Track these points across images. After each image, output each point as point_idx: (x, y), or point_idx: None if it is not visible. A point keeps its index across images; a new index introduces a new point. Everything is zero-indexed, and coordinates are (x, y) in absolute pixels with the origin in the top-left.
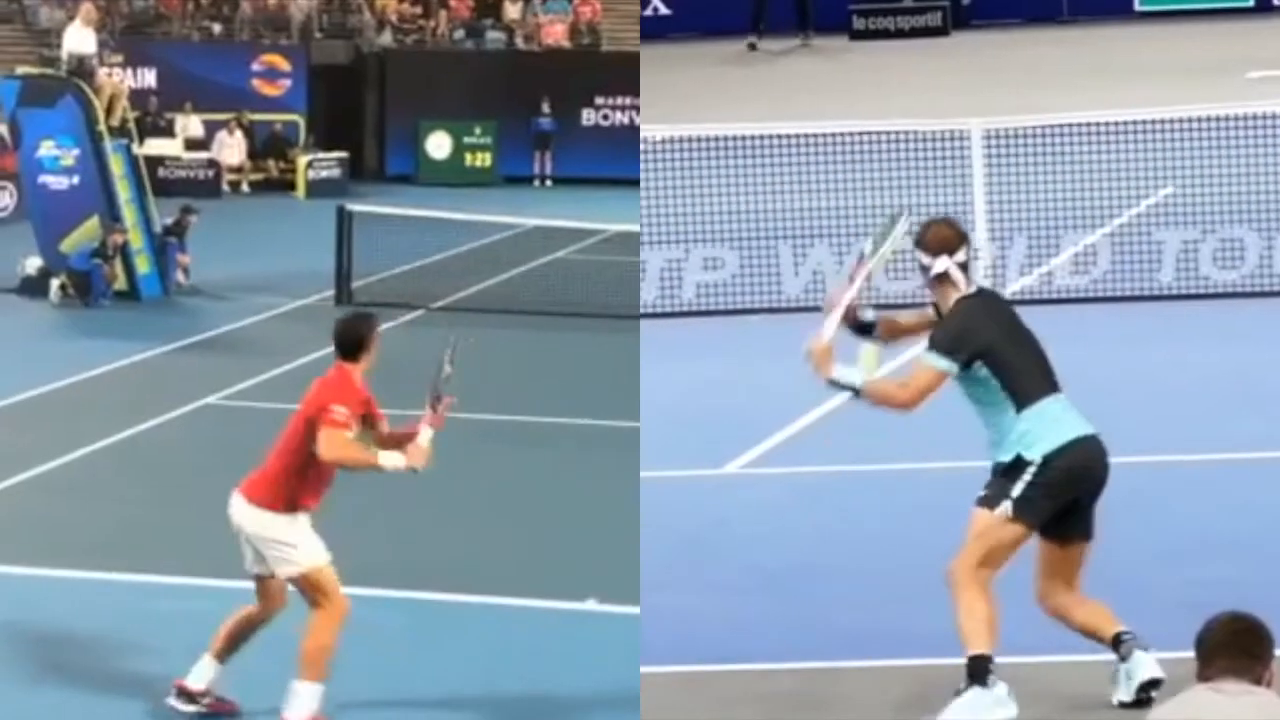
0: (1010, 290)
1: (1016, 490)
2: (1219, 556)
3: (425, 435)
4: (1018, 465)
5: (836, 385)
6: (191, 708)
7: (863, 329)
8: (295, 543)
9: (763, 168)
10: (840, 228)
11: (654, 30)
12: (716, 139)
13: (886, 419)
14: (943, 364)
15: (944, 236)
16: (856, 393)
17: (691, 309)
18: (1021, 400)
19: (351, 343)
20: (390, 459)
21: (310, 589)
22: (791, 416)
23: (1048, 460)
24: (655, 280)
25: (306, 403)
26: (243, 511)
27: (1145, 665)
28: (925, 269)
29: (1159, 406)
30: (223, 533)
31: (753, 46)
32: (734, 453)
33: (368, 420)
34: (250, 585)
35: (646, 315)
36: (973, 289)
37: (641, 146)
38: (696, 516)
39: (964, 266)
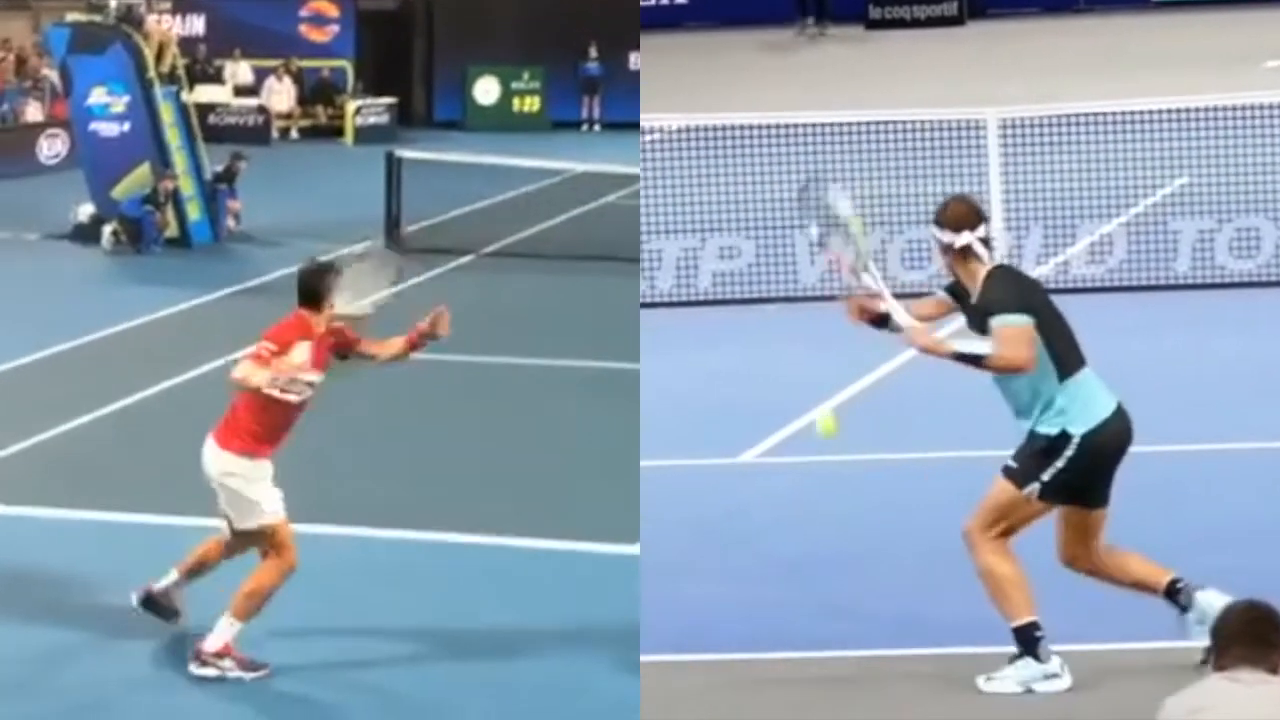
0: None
1: (1048, 474)
2: (1237, 545)
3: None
4: (1059, 441)
5: (963, 358)
6: (149, 613)
7: (879, 321)
8: (256, 498)
9: (778, 157)
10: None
11: (669, 19)
12: (731, 128)
13: (899, 409)
14: (1024, 319)
15: (961, 213)
16: (978, 361)
17: (707, 298)
18: (1065, 369)
19: (308, 292)
20: (259, 376)
21: (266, 542)
22: (807, 405)
23: (1087, 438)
24: (671, 269)
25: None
26: (210, 455)
27: (1213, 601)
28: (948, 246)
29: (1175, 396)
30: (294, 477)
31: (803, 32)
32: (750, 441)
33: (342, 352)
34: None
35: (663, 304)
36: (994, 264)
37: (648, 138)
38: (713, 505)
39: (985, 242)
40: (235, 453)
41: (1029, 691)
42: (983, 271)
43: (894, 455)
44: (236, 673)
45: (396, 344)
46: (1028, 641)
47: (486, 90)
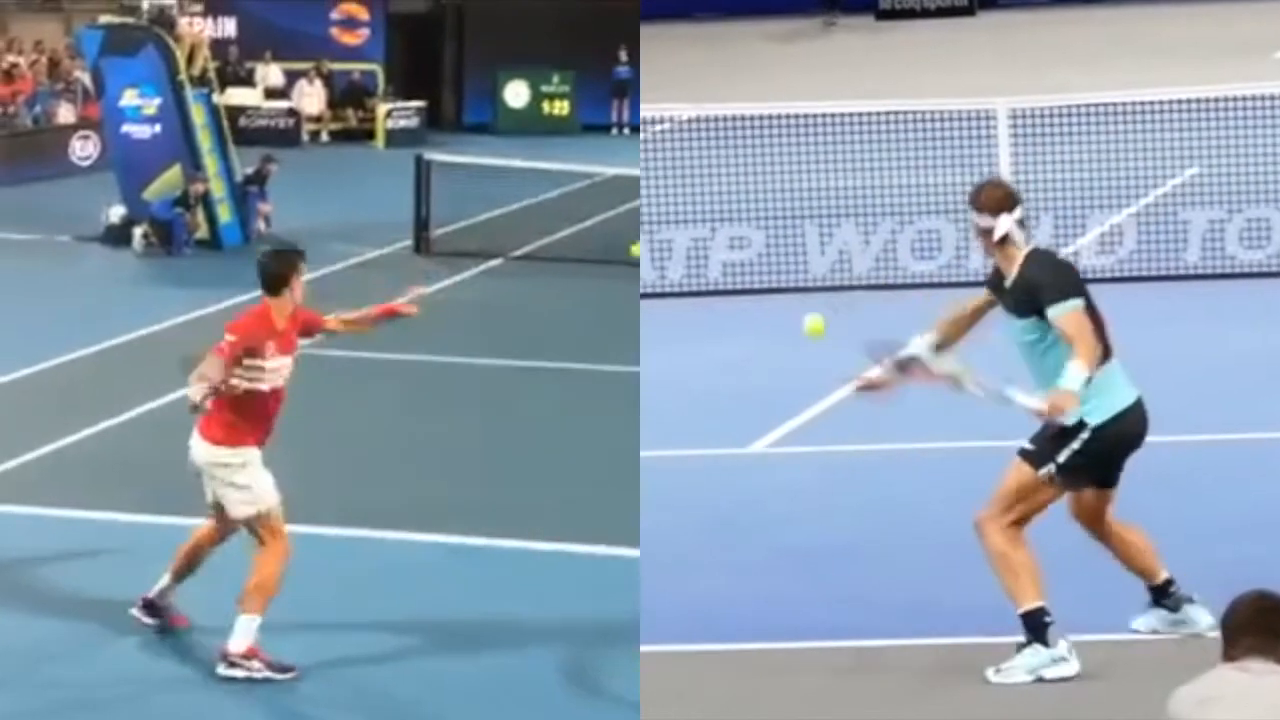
0: None
1: (1063, 456)
2: (1249, 535)
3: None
4: (1074, 428)
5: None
6: (153, 620)
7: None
8: (249, 484)
9: (788, 147)
10: (866, 207)
11: (678, 9)
12: (741, 118)
13: (910, 399)
14: (1079, 302)
15: (998, 197)
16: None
17: (717, 288)
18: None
19: (271, 280)
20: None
21: (262, 529)
22: (818, 395)
23: (1102, 429)
24: (681, 259)
25: None
26: (197, 448)
27: (1203, 617)
28: (986, 231)
29: (1186, 386)
30: (304, 478)
31: (829, 23)
32: (761, 432)
33: (309, 332)
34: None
35: (673, 294)
36: (1029, 247)
37: (658, 128)
38: (725, 496)
39: (1021, 224)
40: (220, 444)
41: (1039, 680)
42: (1020, 255)
43: (905, 445)
44: (265, 674)
45: (362, 315)
46: (1036, 627)
47: (516, 93)
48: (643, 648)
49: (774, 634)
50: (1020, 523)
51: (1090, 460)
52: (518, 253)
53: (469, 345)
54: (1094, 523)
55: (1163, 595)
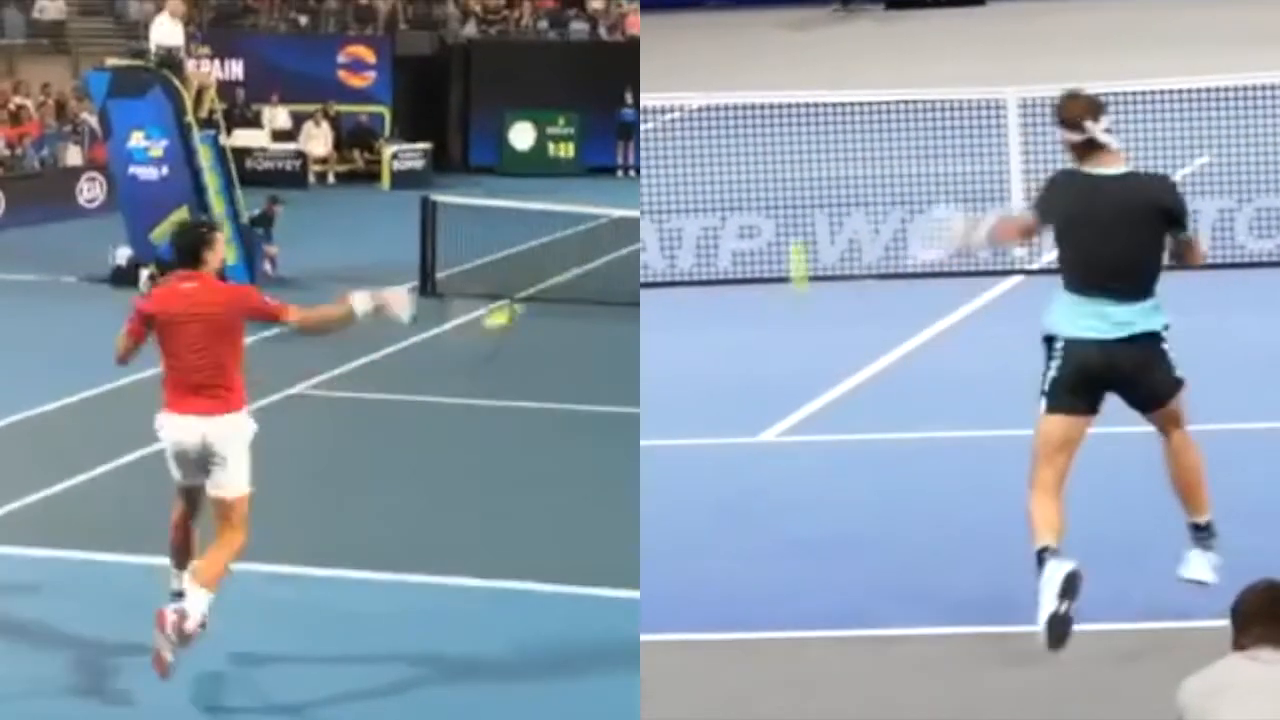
0: (1045, 259)
1: (1046, 381)
2: (1258, 525)
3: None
4: (1047, 343)
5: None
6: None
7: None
8: (248, 460)
9: (798, 136)
10: (876, 196)
11: None
12: (751, 107)
13: (920, 387)
14: (1028, 212)
15: (1079, 108)
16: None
17: (727, 277)
18: (1064, 279)
19: (185, 252)
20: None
21: (238, 511)
22: (828, 384)
23: (1070, 345)
24: (691, 248)
25: (217, 308)
26: (209, 426)
27: (1197, 564)
28: (1072, 145)
29: (1194, 376)
30: (301, 518)
31: (844, 8)
32: (770, 420)
33: None
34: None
35: (683, 283)
36: (1114, 168)
37: (668, 116)
38: (733, 484)
39: (1109, 132)
40: (240, 411)
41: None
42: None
43: (915, 434)
44: (176, 648)
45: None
46: (1038, 563)
47: (522, 135)
48: (646, 636)
49: (781, 622)
50: (1046, 465)
51: (1061, 384)
52: (523, 294)
53: (472, 387)
54: (1161, 430)
55: (1198, 532)
